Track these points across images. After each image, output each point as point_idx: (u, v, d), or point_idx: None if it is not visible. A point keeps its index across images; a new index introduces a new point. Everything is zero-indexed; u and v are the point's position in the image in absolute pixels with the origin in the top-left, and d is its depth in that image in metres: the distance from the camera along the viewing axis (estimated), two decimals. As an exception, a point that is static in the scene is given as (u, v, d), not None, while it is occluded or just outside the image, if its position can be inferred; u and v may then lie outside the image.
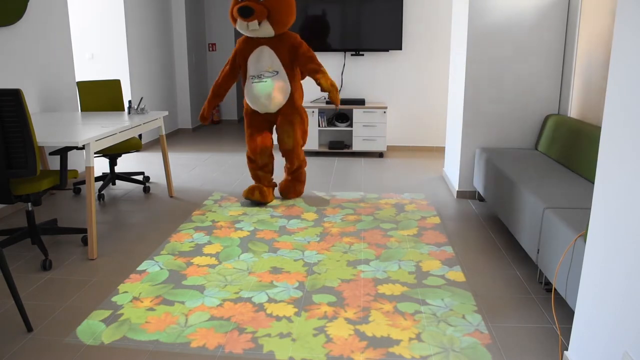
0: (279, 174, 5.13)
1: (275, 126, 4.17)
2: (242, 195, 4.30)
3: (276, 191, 4.49)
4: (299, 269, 2.94)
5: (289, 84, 3.99)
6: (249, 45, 3.96)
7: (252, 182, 4.77)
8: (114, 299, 2.59)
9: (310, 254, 3.16)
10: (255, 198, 4.05)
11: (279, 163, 5.58)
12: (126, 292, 2.67)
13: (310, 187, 4.67)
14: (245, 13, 3.69)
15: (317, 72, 3.93)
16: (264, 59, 3.92)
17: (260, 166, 4.15)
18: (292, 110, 4.05)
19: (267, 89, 3.91)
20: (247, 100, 4.04)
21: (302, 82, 6.42)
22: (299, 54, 3.95)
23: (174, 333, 2.27)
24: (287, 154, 4.14)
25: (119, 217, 3.87)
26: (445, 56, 6.06)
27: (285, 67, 3.95)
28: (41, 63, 4.31)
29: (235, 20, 3.85)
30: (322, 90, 3.95)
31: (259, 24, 3.76)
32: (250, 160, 4.16)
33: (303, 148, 4.72)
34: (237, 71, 4.10)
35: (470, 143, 4.19)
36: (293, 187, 4.28)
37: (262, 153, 4.10)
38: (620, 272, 1.62)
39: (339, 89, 6.19)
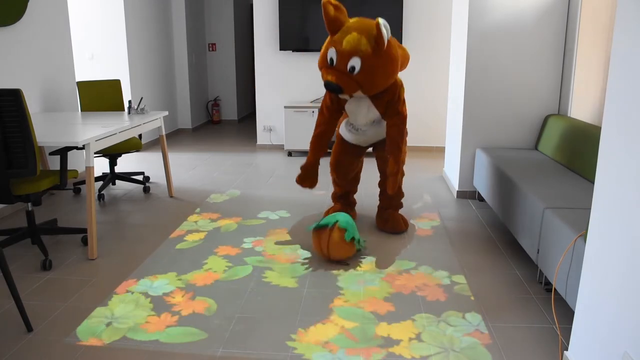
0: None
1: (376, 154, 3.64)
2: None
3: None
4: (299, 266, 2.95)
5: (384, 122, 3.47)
6: None
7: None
8: (114, 298, 2.59)
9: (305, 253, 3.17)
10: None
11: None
12: (126, 292, 2.67)
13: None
14: (334, 90, 3.11)
15: (391, 152, 3.30)
16: (362, 111, 3.33)
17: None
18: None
19: (367, 138, 3.50)
20: (344, 134, 3.58)
21: (297, 77, 6.37)
22: (392, 112, 3.31)
23: (174, 333, 2.27)
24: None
25: (119, 217, 3.87)
26: (445, 55, 6.06)
27: (382, 115, 3.35)
28: (41, 63, 4.31)
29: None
30: (387, 173, 3.46)
31: (351, 96, 3.25)
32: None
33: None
34: (337, 114, 3.46)
35: (470, 143, 4.19)
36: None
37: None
38: (620, 272, 1.62)
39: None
